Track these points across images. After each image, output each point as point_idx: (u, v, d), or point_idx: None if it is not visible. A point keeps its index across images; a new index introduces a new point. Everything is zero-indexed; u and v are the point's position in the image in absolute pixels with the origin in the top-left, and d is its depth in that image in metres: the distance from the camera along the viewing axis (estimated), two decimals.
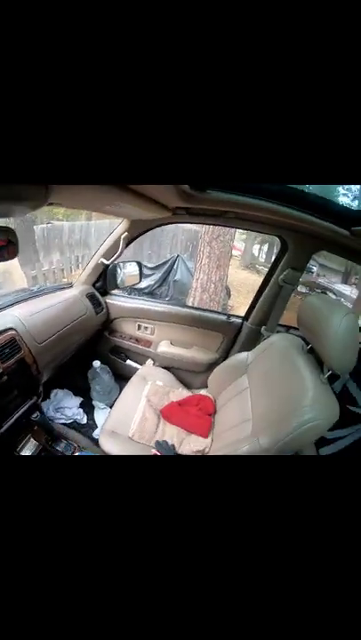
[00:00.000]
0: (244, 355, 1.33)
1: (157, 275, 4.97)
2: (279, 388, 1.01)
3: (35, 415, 1.28)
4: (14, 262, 4.61)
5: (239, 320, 1.64)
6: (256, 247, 11.15)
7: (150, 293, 4.93)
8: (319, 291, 10.18)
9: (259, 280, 1.61)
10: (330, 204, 1.14)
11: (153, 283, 4.96)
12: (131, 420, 1.28)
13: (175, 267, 4.85)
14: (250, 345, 1.46)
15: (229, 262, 3.78)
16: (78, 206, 1.27)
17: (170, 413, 1.34)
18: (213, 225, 2.99)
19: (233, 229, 3.59)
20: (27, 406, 1.26)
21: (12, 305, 1.33)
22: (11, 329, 1.15)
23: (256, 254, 11.91)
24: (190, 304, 3.59)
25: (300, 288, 9.96)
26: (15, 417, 1.18)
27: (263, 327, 1.57)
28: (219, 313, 1.69)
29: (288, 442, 0.86)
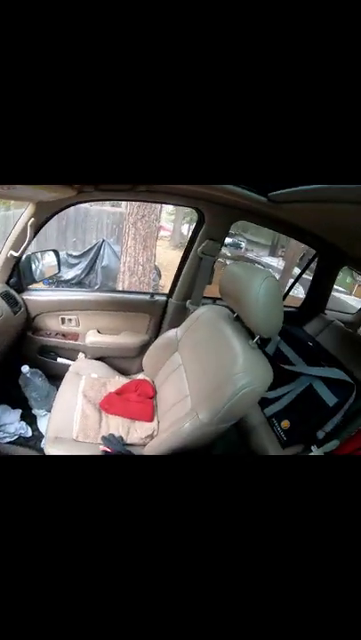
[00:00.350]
0: (173, 332, 1.32)
1: (84, 263, 4.73)
2: (211, 360, 1.03)
3: None
4: None
5: (164, 297, 1.63)
6: (185, 227, 11.25)
7: (79, 283, 4.69)
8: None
9: None
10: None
11: (80, 272, 4.72)
12: (72, 421, 1.20)
13: (102, 252, 4.66)
14: (178, 321, 1.46)
15: (156, 242, 3.74)
16: None
17: (109, 405, 1.29)
18: (124, 200, 2.91)
19: (158, 208, 3.53)
20: None
21: None
22: None
23: (185, 233, 12.04)
24: (120, 288, 3.50)
25: (229, 262, 10.35)
26: None
27: (188, 301, 1.58)
28: (142, 293, 1.66)
29: (227, 411, 0.88)
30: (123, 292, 1.65)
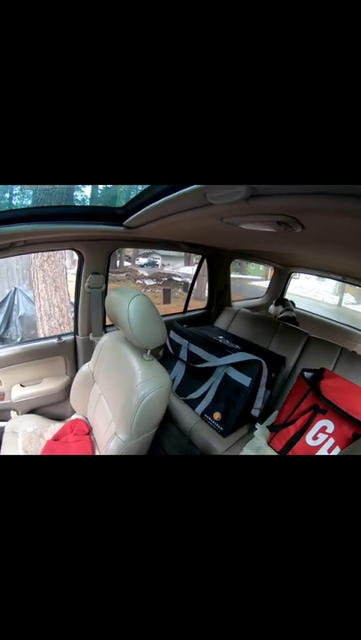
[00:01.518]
0: (85, 366, 1.39)
1: (0, 316, 4.49)
2: (119, 380, 1.11)
3: None
4: None
5: (71, 336, 1.69)
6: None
7: (1, 340, 4.43)
8: (166, 279, 11.08)
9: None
10: (102, 209, 1.27)
11: None
12: None
13: (16, 302, 4.46)
14: (89, 355, 1.52)
15: (67, 281, 3.72)
16: None
17: (51, 452, 1.29)
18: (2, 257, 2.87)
19: None
20: None
21: None
22: None
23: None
24: (41, 335, 3.42)
25: (149, 282, 10.62)
26: None
27: (91, 334, 1.66)
28: (49, 338, 1.69)
29: (138, 422, 0.96)
30: (32, 340, 1.65)
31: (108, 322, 1.71)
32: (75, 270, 1.63)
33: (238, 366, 1.46)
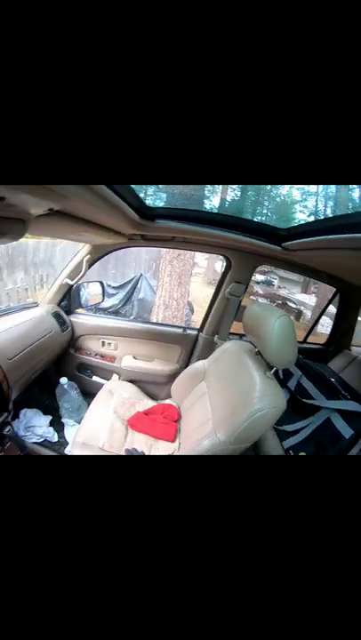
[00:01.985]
0: (200, 363, 1.46)
1: (121, 294, 5.04)
2: (233, 387, 1.14)
3: (7, 430, 1.30)
4: None
5: (195, 332, 1.79)
6: (218, 264, 11.64)
7: (115, 312, 4.97)
8: (280, 302, 10.73)
9: None
10: (263, 226, 1.34)
11: (117, 302, 5.02)
12: (100, 432, 1.34)
13: (139, 285, 4.96)
14: (206, 353, 1.59)
15: (190, 279, 3.95)
16: (51, 236, 1.34)
17: (136, 422, 1.42)
18: (166, 248, 3.16)
19: None
20: None
21: None
22: None
23: (218, 270, 12.36)
24: (155, 320, 3.70)
25: (262, 300, 10.47)
26: None
27: (216, 336, 1.72)
28: (176, 327, 1.83)
29: (243, 431, 0.98)
30: (159, 324, 1.82)
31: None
32: (194, 271, 1.74)
33: (345, 415, 1.35)
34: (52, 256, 6.32)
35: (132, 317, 4.70)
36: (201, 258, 12.13)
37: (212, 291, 1.79)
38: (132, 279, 5.11)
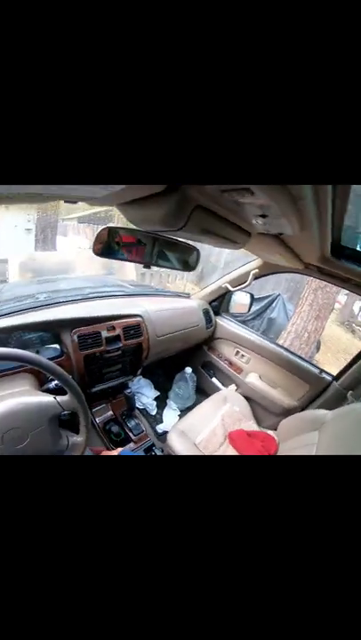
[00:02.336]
0: (323, 412, 1.33)
1: (254, 307, 5.00)
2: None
3: (128, 391, 1.49)
4: None
5: (329, 378, 1.65)
6: (358, 304, 10.31)
7: (243, 322, 4.96)
8: None
9: (352, 340, 1.58)
10: None
11: (249, 312, 4.99)
12: (202, 430, 1.40)
13: (274, 304, 4.82)
14: (332, 405, 1.46)
15: (329, 315, 3.66)
16: (249, 250, 1.35)
17: (237, 438, 1.42)
18: (336, 286, 2.96)
19: None
20: (122, 381, 1.46)
21: (139, 295, 1.60)
22: (139, 316, 1.39)
23: (356, 312, 11.03)
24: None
25: None
26: (109, 385, 1.39)
27: (350, 392, 1.55)
28: (312, 364, 1.71)
29: None
30: (297, 355, 1.74)
31: None
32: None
33: None
34: (209, 255, 6.65)
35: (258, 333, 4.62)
36: (341, 292, 10.96)
37: (341, 333, 1.60)
38: (269, 296, 5.00)
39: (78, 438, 0.89)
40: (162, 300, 1.67)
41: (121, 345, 1.30)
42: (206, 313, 1.73)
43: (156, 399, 1.89)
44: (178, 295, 1.86)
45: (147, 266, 1.00)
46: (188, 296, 1.86)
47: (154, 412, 1.85)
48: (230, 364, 1.84)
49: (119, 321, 1.32)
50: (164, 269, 5.71)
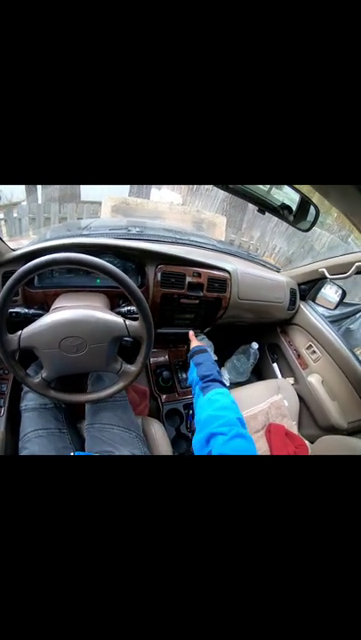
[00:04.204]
0: None
1: (335, 311, 4.63)
2: None
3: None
4: (222, 220, 5.04)
5: None
6: None
7: None
8: None
9: None
10: None
11: (326, 314, 4.66)
12: (245, 409, 1.36)
13: (358, 316, 4.40)
14: None
15: None
16: None
17: (275, 432, 1.34)
18: None
19: None
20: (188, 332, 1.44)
21: (229, 254, 1.53)
22: (227, 272, 1.32)
23: None
24: None
25: None
26: (176, 331, 1.38)
27: None
28: None
29: None
30: None
31: None
32: None
33: None
34: (294, 233, 6.28)
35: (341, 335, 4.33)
36: None
37: None
38: (355, 304, 4.57)
39: (133, 367, 0.89)
40: (251, 264, 1.57)
41: (202, 294, 1.26)
42: (293, 293, 1.58)
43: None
44: (266, 265, 1.74)
45: (261, 210, 0.95)
46: (278, 270, 1.72)
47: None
48: (298, 355, 1.70)
49: (206, 270, 1.26)
50: (253, 241, 5.58)
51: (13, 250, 1.10)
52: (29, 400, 1.02)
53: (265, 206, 0.97)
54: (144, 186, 5.90)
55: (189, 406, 1.49)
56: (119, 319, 0.85)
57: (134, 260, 1.17)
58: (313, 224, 1.06)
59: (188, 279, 1.22)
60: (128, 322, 0.84)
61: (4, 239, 1.06)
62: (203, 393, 0.78)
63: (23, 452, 0.94)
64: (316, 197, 0.95)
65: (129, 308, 1.01)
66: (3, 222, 4.39)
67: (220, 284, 1.29)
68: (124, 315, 0.91)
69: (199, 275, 1.24)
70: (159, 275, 1.17)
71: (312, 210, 1.04)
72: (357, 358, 1.54)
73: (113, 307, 1.04)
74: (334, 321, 4.53)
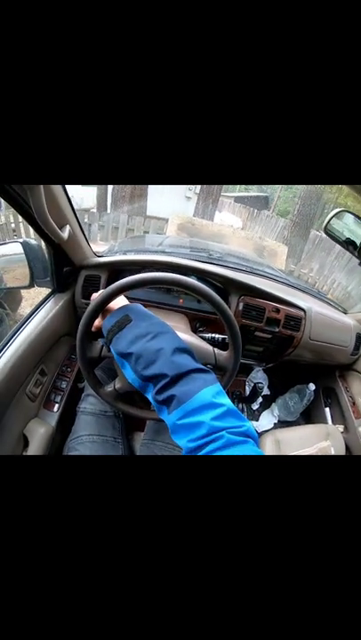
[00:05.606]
0: None
1: None
2: None
3: (260, 384, 1.47)
4: (283, 249, 4.99)
5: None
6: None
7: None
8: None
9: None
10: None
11: None
12: (293, 450, 1.30)
13: None
14: None
15: None
16: None
17: None
18: None
19: None
20: (254, 363, 1.46)
21: (300, 290, 1.52)
22: (303, 310, 1.31)
23: None
24: None
25: None
26: (243, 361, 1.32)
27: None
28: None
29: None
30: None
31: None
32: None
33: None
34: (354, 268, 6.01)
35: None
36: None
37: None
38: None
39: None
40: (321, 303, 1.53)
41: (277, 330, 1.26)
42: (358, 338, 1.52)
43: (263, 397, 1.81)
44: (331, 303, 1.69)
45: None
46: (345, 311, 1.67)
47: (255, 408, 1.79)
48: (353, 403, 1.61)
49: (284, 307, 1.27)
50: (312, 274, 5.45)
51: (98, 255, 1.18)
52: (90, 403, 1.04)
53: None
54: (208, 207, 6.06)
55: None
56: (209, 347, 0.85)
57: (218, 286, 1.20)
58: None
59: (267, 314, 1.23)
60: (217, 351, 0.84)
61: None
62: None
63: (72, 453, 0.94)
64: None
65: (213, 335, 1.01)
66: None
67: (296, 322, 1.28)
68: (210, 342, 0.92)
69: (278, 310, 1.25)
70: (241, 305, 1.20)
71: None
72: None
73: (193, 330, 1.07)
74: None
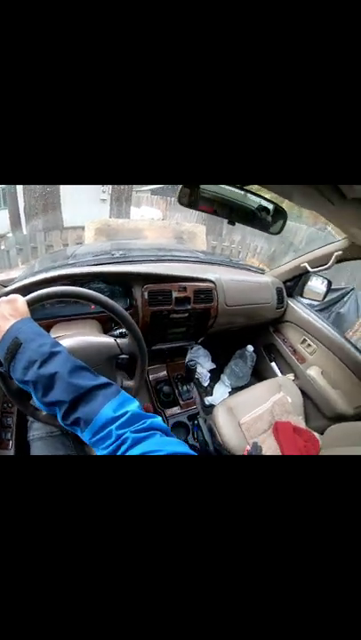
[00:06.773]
0: None
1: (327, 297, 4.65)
2: None
3: (191, 362, 1.49)
4: (201, 229, 5.12)
5: None
6: None
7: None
8: None
9: None
10: None
11: (316, 303, 4.69)
12: (248, 411, 1.37)
13: (346, 299, 4.45)
14: None
15: None
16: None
17: (281, 429, 1.36)
18: None
19: None
20: (183, 344, 1.48)
21: (213, 263, 1.57)
22: (212, 282, 1.37)
23: None
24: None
25: None
26: (170, 345, 1.41)
27: None
28: None
29: None
30: None
31: None
32: None
33: None
34: (290, 235, 6.36)
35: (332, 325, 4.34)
36: None
37: None
38: (340, 289, 4.61)
39: (130, 382, 0.91)
40: (235, 270, 1.61)
41: (190, 307, 1.30)
42: (279, 292, 1.62)
43: (210, 371, 1.88)
44: (251, 269, 1.78)
45: (231, 222, 0.99)
46: (262, 272, 1.77)
47: (206, 384, 1.85)
48: (294, 351, 1.73)
49: (191, 283, 1.31)
50: (234, 245, 5.66)
51: (4, 286, 1.12)
52: (35, 430, 1.02)
53: (238, 214, 1.01)
54: (123, 206, 6.00)
55: (194, 417, 1.52)
56: (110, 339, 0.88)
57: (121, 283, 1.21)
58: (282, 227, 1.11)
59: (175, 294, 1.26)
60: (119, 340, 0.88)
61: None
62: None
63: None
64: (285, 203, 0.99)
65: (121, 330, 1.03)
66: None
67: (206, 294, 1.33)
68: (116, 336, 0.94)
69: (185, 289, 1.28)
70: (146, 294, 1.21)
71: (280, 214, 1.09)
72: (351, 343, 1.58)
73: (106, 331, 1.08)
74: (324, 308, 4.60)
